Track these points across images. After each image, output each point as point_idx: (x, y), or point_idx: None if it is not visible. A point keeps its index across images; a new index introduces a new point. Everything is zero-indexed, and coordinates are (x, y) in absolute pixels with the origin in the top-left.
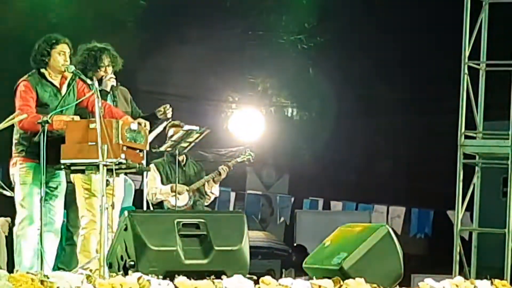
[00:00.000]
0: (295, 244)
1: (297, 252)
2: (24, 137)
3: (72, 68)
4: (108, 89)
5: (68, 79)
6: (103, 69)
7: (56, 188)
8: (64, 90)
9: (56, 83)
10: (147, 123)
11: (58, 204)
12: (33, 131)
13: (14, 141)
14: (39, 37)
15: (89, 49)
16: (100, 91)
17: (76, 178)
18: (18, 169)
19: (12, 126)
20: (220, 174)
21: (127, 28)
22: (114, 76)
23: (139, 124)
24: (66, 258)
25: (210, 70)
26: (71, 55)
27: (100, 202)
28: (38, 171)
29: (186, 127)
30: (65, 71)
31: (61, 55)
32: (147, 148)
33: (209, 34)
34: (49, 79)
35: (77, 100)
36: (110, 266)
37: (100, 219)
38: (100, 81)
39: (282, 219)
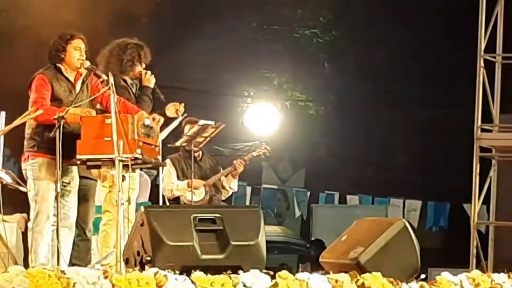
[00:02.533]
0: (313, 239)
1: (315, 247)
2: (36, 132)
3: (88, 63)
4: (152, 85)
5: (83, 76)
6: (141, 64)
7: (69, 183)
8: (78, 86)
9: (71, 78)
10: (161, 118)
11: (71, 200)
12: (47, 123)
13: (26, 136)
14: (54, 33)
15: (134, 44)
16: (143, 87)
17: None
18: (30, 164)
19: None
20: (236, 168)
21: (142, 24)
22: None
23: (153, 119)
24: (80, 254)
25: (225, 65)
26: (87, 50)
27: (117, 197)
28: (50, 166)
29: (202, 122)
30: (80, 66)
31: (77, 50)
32: (158, 143)
33: (224, 28)
34: (65, 74)
35: (91, 96)
36: (126, 261)
37: (116, 214)
38: (137, 76)
39: (299, 213)
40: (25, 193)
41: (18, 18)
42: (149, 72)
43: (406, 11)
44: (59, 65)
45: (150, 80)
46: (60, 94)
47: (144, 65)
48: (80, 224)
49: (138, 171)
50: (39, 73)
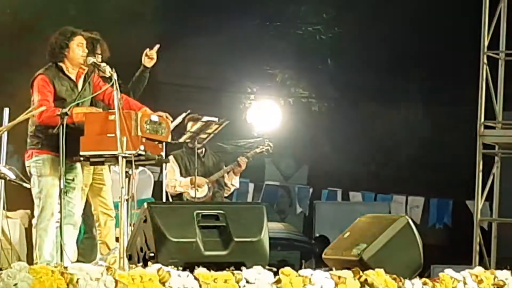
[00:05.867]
0: (317, 235)
1: (319, 243)
2: (39, 129)
3: (91, 59)
4: (108, 75)
5: (85, 73)
6: (99, 57)
7: (73, 180)
8: (80, 84)
9: (73, 77)
10: (168, 115)
11: (76, 197)
12: (51, 124)
13: (29, 133)
14: (57, 29)
15: (88, 37)
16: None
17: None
18: (34, 161)
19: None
20: (239, 165)
21: (146, 20)
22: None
23: (160, 116)
24: (85, 251)
25: (229, 62)
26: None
27: (120, 193)
28: (54, 163)
29: (205, 118)
30: (83, 63)
31: (79, 47)
32: (169, 139)
33: (227, 25)
34: (66, 73)
35: (93, 93)
36: (129, 257)
37: (120, 211)
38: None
39: (300, 209)
40: (29, 190)
41: (22, 14)
42: (103, 64)
43: (409, 7)
44: (60, 63)
45: (105, 70)
46: (63, 94)
47: (100, 58)
48: (86, 221)
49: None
50: (40, 73)
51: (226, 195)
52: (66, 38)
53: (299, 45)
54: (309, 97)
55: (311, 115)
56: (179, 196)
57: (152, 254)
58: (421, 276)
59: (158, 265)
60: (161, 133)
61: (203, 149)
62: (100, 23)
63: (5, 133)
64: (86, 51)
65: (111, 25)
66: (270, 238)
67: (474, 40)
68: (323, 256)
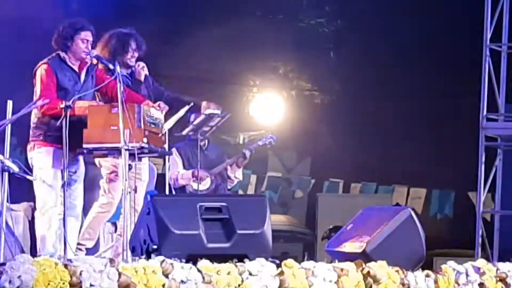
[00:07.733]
0: (331, 226)
1: (334, 234)
2: (42, 120)
3: (94, 52)
4: (142, 78)
5: (87, 65)
6: (130, 53)
7: (75, 172)
8: (83, 75)
9: (76, 68)
10: (166, 106)
11: (77, 189)
12: (54, 116)
13: (32, 125)
14: (58, 23)
15: (116, 34)
16: (134, 80)
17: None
18: (36, 153)
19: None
20: (245, 157)
21: (147, 13)
22: (144, 65)
23: (158, 106)
24: None
25: (231, 55)
26: (93, 42)
27: (123, 186)
28: (57, 155)
29: (208, 111)
30: (85, 57)
31: (84, 43)
32: (163, 132)
33: (230, 18)
34: (69, 64)
35: (96, 86)
36: (133, 250)
37: (123, 203)
38: (127, 66)
39: (301, 194)
40: (32, 182)
41: (23, 7)
42: (141, 64)
43: (412, 0)
44: (63, 54)
45: (140, 73)
46: (65, 84)
47: (136, 54)
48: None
49: (146, 160)
50: (43, 63)
51: (229, 187)
52: (73, 31)
53: (301, 38)
54: (312, 89)
55: (313, 107)
56: (182, 188)
57: (155, 246)
58: (423, 268)
59: (161, 257)
60: (157, 126)
61: (206, 142)
62: (101, 17)
63: (9, 125)
64: (90, 47)
65: (111, 18)
66: (272, 230)
67: (477, 33)
68: (326, 248)
